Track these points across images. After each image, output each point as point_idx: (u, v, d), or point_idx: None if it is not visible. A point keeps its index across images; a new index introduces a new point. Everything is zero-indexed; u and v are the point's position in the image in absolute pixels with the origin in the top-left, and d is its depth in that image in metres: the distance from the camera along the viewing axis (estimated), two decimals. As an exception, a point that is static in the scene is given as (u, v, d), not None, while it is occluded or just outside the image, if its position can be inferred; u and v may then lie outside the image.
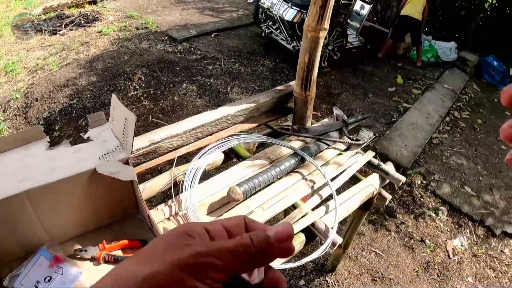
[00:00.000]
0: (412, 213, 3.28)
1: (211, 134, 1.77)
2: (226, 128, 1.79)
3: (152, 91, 4.44)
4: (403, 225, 3.15)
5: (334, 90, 5.11)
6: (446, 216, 3.33)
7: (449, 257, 2.96)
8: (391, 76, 5.76)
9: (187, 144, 1.72)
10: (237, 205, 1.47)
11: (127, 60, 4.98)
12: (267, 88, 4.81)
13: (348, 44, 5.72)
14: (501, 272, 2.91)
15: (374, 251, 2.90)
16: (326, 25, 1.60)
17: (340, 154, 1.84)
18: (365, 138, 1.88)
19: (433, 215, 3.27)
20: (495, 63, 6.42)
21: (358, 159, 1.79)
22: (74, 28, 6.78)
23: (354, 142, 1.84)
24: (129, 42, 5.94)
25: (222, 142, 1.67)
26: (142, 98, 4.36)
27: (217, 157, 1.76)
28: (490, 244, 3.15)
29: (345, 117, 2.09)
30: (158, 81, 4.60)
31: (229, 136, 1.72)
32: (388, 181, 1.81)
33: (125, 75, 4.69)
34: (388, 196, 1.85)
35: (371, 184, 1.71)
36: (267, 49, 5.88)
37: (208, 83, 4.70)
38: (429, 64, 6.42)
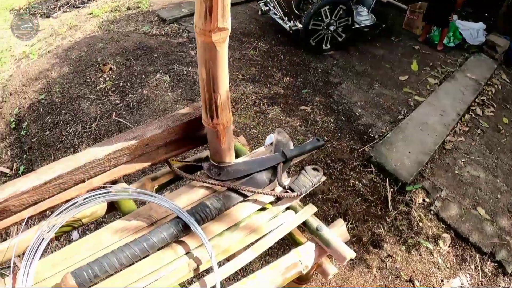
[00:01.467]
0: (404, 242, 2.69)
1: (83, 181, 1.26)
2: (104, 172, 1.27)
3: (121, 84, 3.95)
4: (390, 259, 2.57)
5: (334, 78, 4.43)
6: (448, 246, 2.71)
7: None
8: (405, 62, 4.97)
9: (48, 197, 1.23)
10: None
11: (101, 48, 4.49)
12: (253, 77, 4.23)
13: (355, 24, 4.96)
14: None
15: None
16: (224, 23, 1.02)
17: (263, 209, 1.28)
18: (305, 186, 1.31)
19: (431, 247, 2.66)
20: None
21: (285, 221, 1.23)
22: (68, 10, 6.35)
23: (283, 194, 1.27)
24: (116, 24, 5.44)
25: (86, 198, 1.17)
26: (110, 91, 3.89)
27: (98, 206, 1.27)
28: (498, 285, 2.53)
29: (289, 146, 1.51)
30: (130, 72, 4.09)
31: (102, 186, 1.22)
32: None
33: (97, 65, 4.21)
34: (332, 270, 1.29)
35: (299, 261, 1.16)
36: (264, 29, 5.22)
37: (185, 72, 4.15)
38: (452, 48, 5.54)
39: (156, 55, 4.43)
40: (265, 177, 1.36)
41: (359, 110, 3.96)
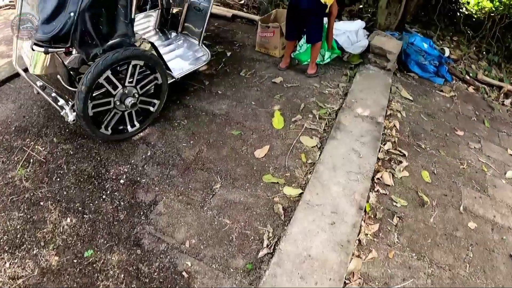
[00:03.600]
0: None
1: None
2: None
3: None
4: None
5: (146, 193, 2.43)
6: None
7: None
8: (262, 115, 3.18)
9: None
10: None
11: None
12: (12, 240, 2.05)
13: (179, 73, 3.04)
14: None
15: None
16: None
17: None
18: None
19: None
20: (424, 44, 4.09)
21: None
22: None
23: None
24: None
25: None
26: None
27: None
28: None
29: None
30: None
31: None
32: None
33: None
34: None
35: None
36: (49, 115, 3.01)
37: None
38: (327, 66, 3.95)
39: None
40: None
41: (188, 264, 2.05)
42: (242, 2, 4.86)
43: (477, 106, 3.99)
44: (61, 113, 2.55)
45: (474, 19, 5.16)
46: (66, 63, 2.41)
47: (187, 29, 3.61)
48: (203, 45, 3.45)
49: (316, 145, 2.88)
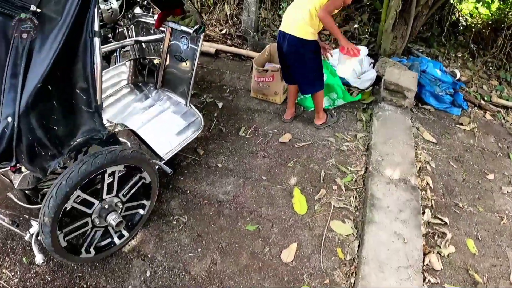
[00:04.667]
0: None
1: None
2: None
3: None
4: None
5: None
6: None
7: None
8: (277, 194, 2.65)
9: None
10: None
11: None
12: None
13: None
14: None
15: None
16: None
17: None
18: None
19: None
20: (438, 71, 3.65)
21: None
22: None
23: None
24: None
25: None
26: None
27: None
28: None
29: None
30: None
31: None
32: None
33: None
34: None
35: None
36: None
37: None
38: (338, 109, 3.42)
39: None
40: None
41: None
42: (224, 31, 4.21)
43: (498, 136, 3.64)
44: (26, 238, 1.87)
45: (473, 30, 4.79)
46: (16, 185, 1.73)
47: (169, 84, 2.96)
48: (191, 106, 2.83)
49: (352, 233, 2.36)
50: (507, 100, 4.00)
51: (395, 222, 2.44)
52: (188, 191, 2.56)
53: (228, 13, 4.38)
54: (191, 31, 2.57)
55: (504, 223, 2.72)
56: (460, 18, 4.70)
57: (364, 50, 3.78)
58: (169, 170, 2.33)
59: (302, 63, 2.73)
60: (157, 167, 2.23)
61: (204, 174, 2.69)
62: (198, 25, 2.58)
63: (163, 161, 2.37)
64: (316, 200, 2.57)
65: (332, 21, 2.49)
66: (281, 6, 4.32)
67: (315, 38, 2.66)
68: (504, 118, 3.87)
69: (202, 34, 2.62)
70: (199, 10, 4.58)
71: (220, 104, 3.35)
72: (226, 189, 2.59)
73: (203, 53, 3.99)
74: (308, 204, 2.54)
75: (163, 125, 2.69)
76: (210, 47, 3.95)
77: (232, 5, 4.38)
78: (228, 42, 4.06)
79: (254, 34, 4.07)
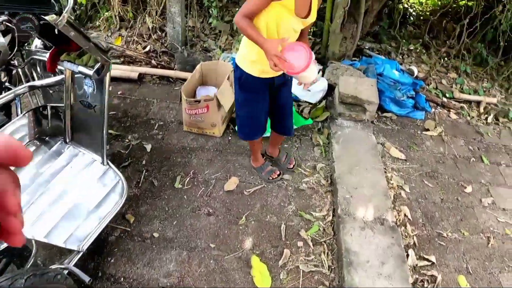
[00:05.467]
0: None
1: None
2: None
3: None
4: None
5: None
6: None
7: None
8: (240, 275, 2.08)
9: None
10: None
11: None
12: None
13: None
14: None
15: None
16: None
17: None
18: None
19: None
20: (395, 72, 3.24)
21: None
22: None
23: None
24: None
25: None
26: None
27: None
28: None
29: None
30: None
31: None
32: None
33: None
34: None
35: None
36: None
37: None
38: (295, 139, 2.88)
39: None
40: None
41: None
42: (148, 48, 3.51)
43: (466, 137, 3.31)
44: None
45: (422, 18, 4.47)
46: None
47: (80, 137, 2.25)
48: (109, 164, 2.15)
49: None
50: (469, 93, 3.70)
51: (379, 279, 1.96)
52: (122, 279, 1.92)
53: (150, 27, 3.68)
54: (90, 72, 1.88)
55: (492, 244, 2.41)
56: (409, 8, 4.34)
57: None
58: (87, 278, 1.69)
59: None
60: (66, 272, 1.57)
61: (139, 251, 2.05)
62: (99, 64, 1.90)
63: (81, 253, 1.73)
64: (281, 267, 2.02)
65: (246, 26, 1.74)
66: (209, 11, 3.70)
67: (254, 72, 2.01)
68: (469, 115, 3.57)
69: (108, 74, 1.95)
70: (110, 32, 3.82)
71: (149, 147, 2.69)
72: (168, 269, 1.97)
73: (124, 80, 3.28)
74: (271, 273, 1.99)
75: (77, 199, 1.99)
76: (132, 71, 3.25)
77: (154, 17, 3.69)
78: (153, 61, 3.38)
79: (182, 49, 3.42)
